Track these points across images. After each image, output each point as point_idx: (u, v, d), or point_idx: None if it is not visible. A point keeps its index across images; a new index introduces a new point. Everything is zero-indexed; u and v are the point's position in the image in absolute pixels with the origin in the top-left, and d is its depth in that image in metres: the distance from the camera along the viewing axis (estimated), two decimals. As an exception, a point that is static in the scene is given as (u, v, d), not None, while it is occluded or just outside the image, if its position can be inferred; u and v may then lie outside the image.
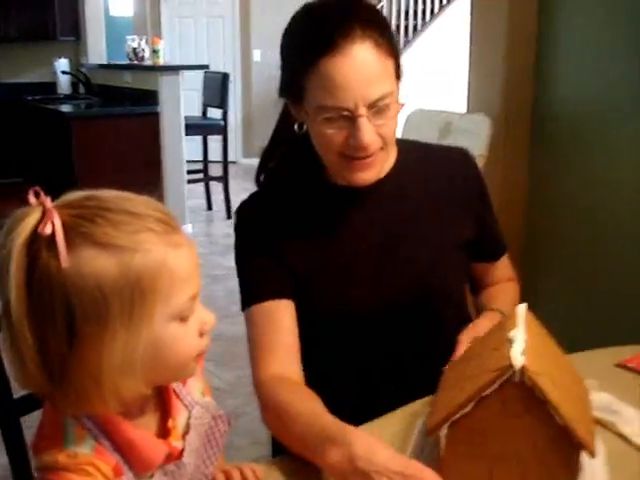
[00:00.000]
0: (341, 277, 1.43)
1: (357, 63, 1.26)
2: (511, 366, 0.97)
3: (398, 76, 1.35)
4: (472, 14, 3.08)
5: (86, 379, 0.85)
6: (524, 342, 1.01)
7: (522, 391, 0.98)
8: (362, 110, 1.27)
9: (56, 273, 0.81)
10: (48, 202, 0.83)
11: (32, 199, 0.84)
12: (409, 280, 1.44)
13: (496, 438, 1.02)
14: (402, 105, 1.36)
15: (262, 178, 1.51)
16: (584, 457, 1.02)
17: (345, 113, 1.28)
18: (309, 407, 1.22)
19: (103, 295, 0.82)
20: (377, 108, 1.29)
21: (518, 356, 0.98)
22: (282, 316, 1.39)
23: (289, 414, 1.22)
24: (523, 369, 0.97)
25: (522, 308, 1.13)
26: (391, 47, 1.32)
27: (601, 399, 1.32)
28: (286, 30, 1.37)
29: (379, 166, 1.38)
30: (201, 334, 0.93)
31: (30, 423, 1.31)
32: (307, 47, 1.29)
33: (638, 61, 2.46)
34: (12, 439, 1.38)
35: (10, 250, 0.81)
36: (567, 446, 1.00)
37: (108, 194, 0.89)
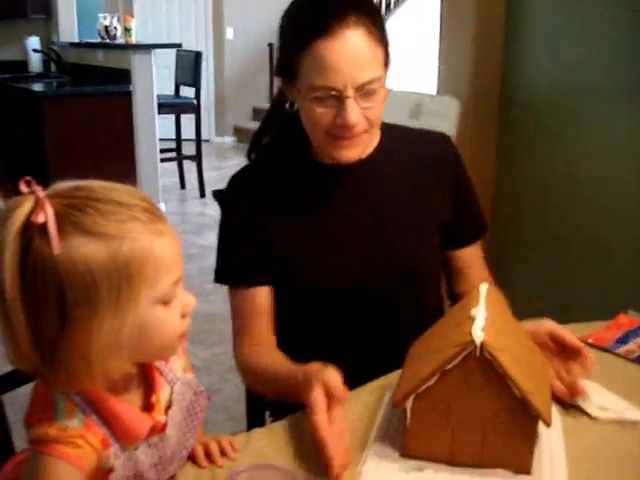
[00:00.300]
0: (328, 254, 1.49)
1: (349, 47, 1.32)
2: (472, 341, 1.03)
3: (386, 64, 1.41)
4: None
5: (76, 359, 0.89)
6: (485, 319, 1.07)
7: (482, 365, 1.04)
8: (350, 92, 1.33)
9: (48, 259, 0.85)
10: (40, 192, 0.88)
11: (24, 188, 0.88)
12: (396, 260, 1.50)
13: (458, 409, 1.08)
14: (388, 91, 1.42)
15: (253, 155, 1.58)
16: (541, 427, 1.08)
17: (334, 93, 1.34)
18: (279, 365, 1.37)
19: (93, 280, 0.87)
20: (365, 91, 1.35)
21: (479, 332, 1.04)
22: (261, 301, 1.49)
23: (265, 375, 1.41)
24: (483, 344, 1.03)
25: (484, 287, 1.19)
26: (382, 36, 1.38)
27: (560, 372, 1.38)
28: (285, 13, 1.43)
29: (363, 146, 1.45)
30: (183, 316, 0.98)
31: (11, 400, 1.36)
32: (303, 29, 1.36)
33: (604, 44, 2.49)
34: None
35: (4, 238, 0.85)
36: (525, 416, 1.06)
37: (95, 184, 0.93)
